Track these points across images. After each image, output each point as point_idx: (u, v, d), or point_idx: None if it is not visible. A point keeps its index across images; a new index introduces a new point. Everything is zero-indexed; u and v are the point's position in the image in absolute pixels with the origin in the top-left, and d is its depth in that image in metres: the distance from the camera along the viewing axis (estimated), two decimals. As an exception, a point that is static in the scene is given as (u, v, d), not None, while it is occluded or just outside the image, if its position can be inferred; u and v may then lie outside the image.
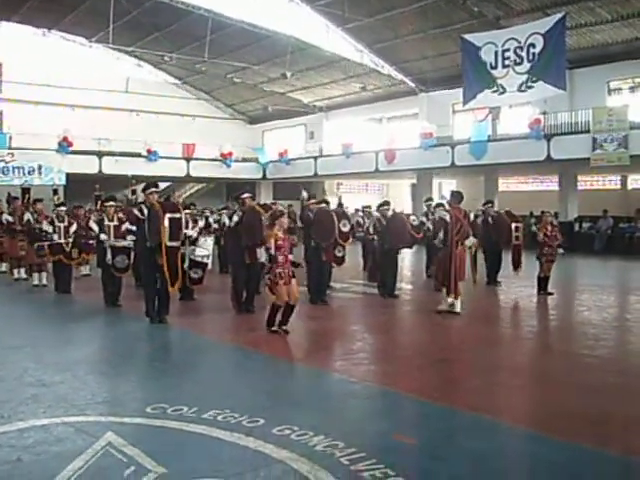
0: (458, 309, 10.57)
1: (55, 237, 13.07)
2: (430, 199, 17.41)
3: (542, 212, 13.98)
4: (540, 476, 4.39)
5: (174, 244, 9.43)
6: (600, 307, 11.72)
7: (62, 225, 13.23)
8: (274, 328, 8.66)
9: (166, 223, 9.26)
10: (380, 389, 6.39)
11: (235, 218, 10.84)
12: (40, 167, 28.52)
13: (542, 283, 12.88)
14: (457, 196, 11.21)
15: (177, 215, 9.53)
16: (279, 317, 8.68)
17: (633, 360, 7.90)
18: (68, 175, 28.89)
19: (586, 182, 30.73)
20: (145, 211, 9.56)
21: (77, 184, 27.34)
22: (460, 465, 4.41)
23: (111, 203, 12.07)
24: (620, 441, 4.87)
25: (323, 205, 12.47)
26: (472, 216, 10.99)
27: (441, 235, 10.76)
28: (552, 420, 5.42)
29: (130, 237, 11.36)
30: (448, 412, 5.64)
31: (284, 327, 8.68)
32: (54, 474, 4.09)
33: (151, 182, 10.11)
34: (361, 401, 6.00)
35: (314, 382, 6.76)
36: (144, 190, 9.94)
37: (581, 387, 6.48)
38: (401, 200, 33.85)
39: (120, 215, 12.19)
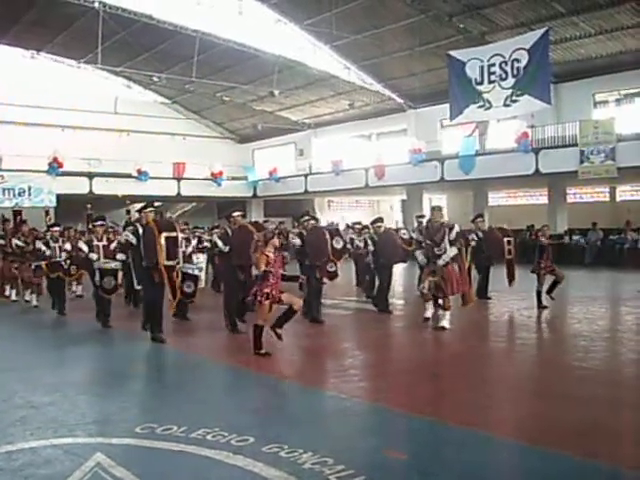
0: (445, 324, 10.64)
1: (49, 253, 13.14)
2: (422, 216, 17.47)
3: (544, 225, 14.11)
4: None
5: (172, 263, 9.41)
6: (590, 319, 11.75)
7: (57, 245, 13.31)
8: (263, 351, 8.51)
9: (162, 242, 9.25)
10: (370, 405, 6.39)
11: (223, 246, 10.85)
12: (30, 188, 28.53)
13: (541, 296, 12.92)
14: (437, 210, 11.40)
15: (174, 234, 9.52)
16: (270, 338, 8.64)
17: (622, 371, 7.92)
18: (58, 196, 28.87)
19: (575, 195, 30.91)
20: (140, 230, 9.56)
21: (68, 205, 27.34)
22: (449, 479, 4.42)
23: (100, 223, 12.06)
24: (609, 452, 4.88)
25: (313, 222, 12.50)
26: (456, 229, 10.99)
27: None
28: (542, 432, 5.44)
29: (120, 256, 11.40)
30: (438, 426, 5.65)
31: (278, 331, 8.55)
32: (42, 497, 4.08)
33: (148, 202, 10.14)
34: (351, 417, 6.00)
35: (304, 399, 6.75)
36: (141, 210, 9.95)
37: (571, 399, 6.48)
38: (392, 216, 33.92)
39: (110, 236, 12.22)
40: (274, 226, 13.55)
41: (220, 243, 11.19)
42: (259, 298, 8.38)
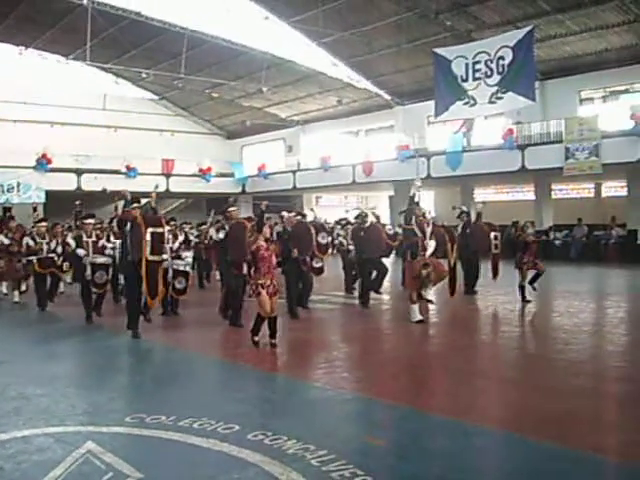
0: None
1: (44, 247, 13.25)
2: (405, 211, 17.66)
3: (526, 222, 14.31)
4: (503, 472, 4.60)
5: (155, 258, 9.57)
6: (572, 313, 12.00)
7: (44, 242, 13.40)
8: (256, 338, 8.75)
9: (148, 237, 9.41)
10: (352, 395, 6.58)
11: (221, 235, 11.01)
12: (19, 184, 28.54)
13: (525, 290, 13.15)
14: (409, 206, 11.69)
15: (160, 230, 9.68)
16: (266, 330, 8.82)
17: (598, 363, 8.16)
18: (47, 192, 28.90)
19: (561, 191, 31.20)
20: (129, 225, 9.70)
21: (56, 201, 27.34)
22: (425, 464, 4.63)
23: (89, 220, 12.16)
24: (581, 438, 5.09)
25: (299, 217, 12.68)
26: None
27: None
28: (518, 420, 5.67)
29: (108, 252, 11.55)
30: (417, 415, 5.86)
31: (273, 341, 8.77)
32: (35, 481, 4.26)
33: (133, 197, 10.26)
34: (333, 407, 6.20)
35: (288, 390, 6.95)
36: (125, 206, 10.09)
37: (548, 388, 6.71)
38: (379, 212, 34.08)
39: (98, 232, 12.35)
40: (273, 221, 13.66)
41: (214, 234, 11.37)
42: (256, 290, 8.58)
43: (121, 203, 10.50)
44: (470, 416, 5.76)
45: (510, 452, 4.95)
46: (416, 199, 11.80)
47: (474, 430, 5.39)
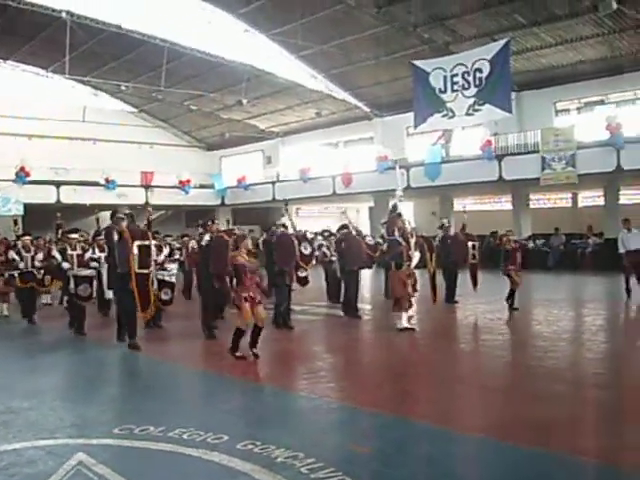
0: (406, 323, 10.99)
1: (22, 265, 13.23)
2: (386, 222, 17.83)
3: (508, 231, 14.47)
4: (485, 476, 4.72)
5: (144, 271, 9.64)
6: (551, 321, 12.19)
7: (29, 255, 13.40)
8: (238, 354, 8.80)
9: (135, 251, 9.48)
10: (338, 404, 6.68)
11: (205, 240, 11.05)
12: (-3, 197, 28.39)
13: (514, 294, 13.31)
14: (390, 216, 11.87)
15: (146, 242, 9.75)
16: (248, 340, 8.87)
17: (575, 370, 8.34)
18: (26, 205, 28.78)
19: (539, 200, 31.57)
20: (116, 236, 9.73)
21: (36, 214, 27.24)
22: (410, 470, 4.74)
23: (74, 235, 12.16)
24: (561, 442, 5.23)
25: (283, 229, 12.78)
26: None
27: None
28: (499, 426, 5.80)
29: (93, 264, 11.60)
30: (402, 422, 5.98)
31: (254, 350, 8.82)
32: (28, 493, 4.32)
33: (114, 210, 10.29)
34: (320, 416, 6.30)
35: (276, 400, 7.04)
36: (112, 217, 10.12)
37: (528, 395, 6.86)
38: (359, 223, 34.25)
39: (83, 245, 12.37)
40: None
41: (196, 245, 11.42)
42: (237, 302, 8.64)
43: (102, 214, 10.56)
44: (453, 423, 5.89)
45: (492, 457, 5.08)
46: (398, 209, 11.91)
47: (457, 437, 5.52)
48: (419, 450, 5.24)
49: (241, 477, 4.53)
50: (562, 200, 31.61)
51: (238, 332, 8.80)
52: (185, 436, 5.41)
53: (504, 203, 31.90)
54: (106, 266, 11.71)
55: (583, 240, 26.42)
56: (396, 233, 11.16)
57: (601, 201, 26.83)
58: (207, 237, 11.02)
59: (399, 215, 11.60)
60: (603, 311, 14.19)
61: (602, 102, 26.51)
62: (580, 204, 31.27)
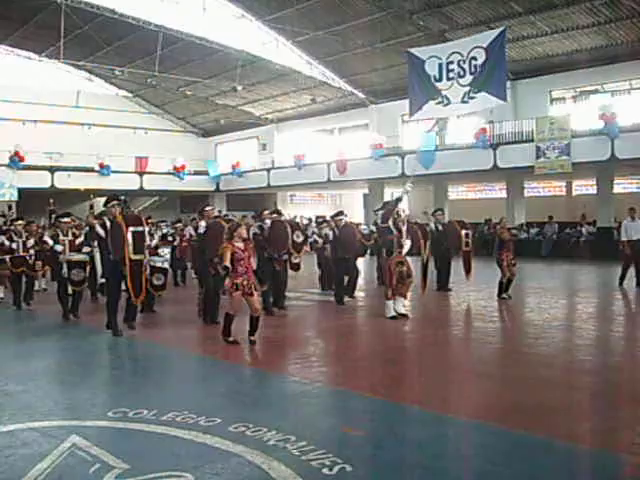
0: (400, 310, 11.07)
1: (14, 246, 13.24)
2: (381, 208, 17.87)
3: (503, 218, 14.50)
4: (476, 459, 4.78)
5: (138, 257, 9.65)
6: (542, 308, 12.28)
7: (20, 240, 13.40)
8: (231, 339, 8.85)
9: (129, 237, 9.48)
10: (330, 389, 6.75)
11: (202, 227, 11.05)
12: (-9, 183, 28.34)
13: (503, 286, 13.31)
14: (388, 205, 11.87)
15: (140, 228, 9.74)
16: (241, 326, 8.92)
17: (565, 356, 8.41)
18: (20, 190, 28.75)
19: (533, 189, 31.67)
20: (108, 224, 9.73)
21: (30, 199, 27.25)
22: (401, 452, 4.80)
23: (66, 219, 12.16)
24: (547, 426, 5.30)
25: (276, 216, 12.79)
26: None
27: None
28: (489, 410, 5.88)
29: (85, 249, 11.61)
30: (393, 407, 6.05)
31: (251, 338, 8.87)
32: (23, 474, 4.36)
33: (110, 196, 10.29)
34: (312, 400, 6.36)
35: (268, 384, 7.10)
36: (106, 204, 10.13)
37: (517, 380, 6.94)
38: (354, 210, 34.34)
39: (75, 230, 12.37)
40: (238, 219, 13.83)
41: (193, 231, 11.43)
42: (230, 289, 8.68)
43: (97, 201, 10.56)
44: (444, 407, 5.96)
45: (482, 441, 5.14)
46: (401, 200, 11.92)
47: (448, 420, 5.58)
48: (410, 434, 5.30)
49: (233, 459, 4.58)
50: (556, 188, 31.71)
51: (227, 317, 8.87)
52: (178, 419, 5.47)
53: (498, 191, 31.99)
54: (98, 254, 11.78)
55: (576, 229, 26.55)
56: (390, 222, 11.19)
57: (595, 190, 26.91)
58: (203, 224, 11.03)
59: (396, 202, 11.61)
60: (594, 299, 14.28)
61: (597, 91, 26.56)
62: (574, 193, 31.39)
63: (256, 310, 8.84)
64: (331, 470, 4.34)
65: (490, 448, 4.94)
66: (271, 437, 4.98)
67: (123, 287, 10.07)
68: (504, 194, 29.99)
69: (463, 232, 15.00)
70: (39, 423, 5.47)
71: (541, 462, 4.57)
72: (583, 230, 26.06)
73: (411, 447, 4.95)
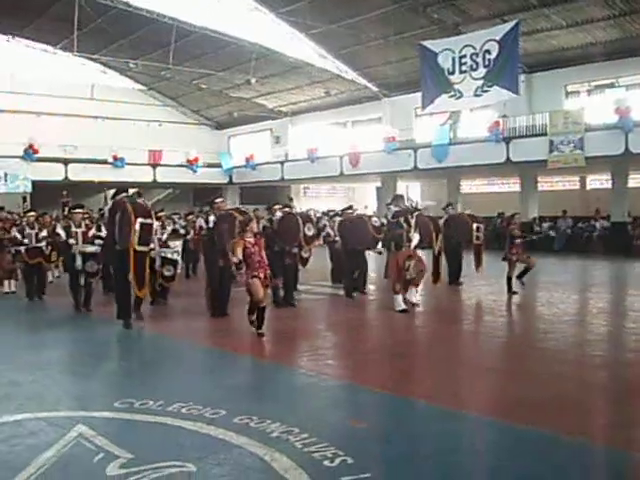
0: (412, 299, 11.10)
1: (26, 241, 13.35)
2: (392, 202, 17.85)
3: (513, 214, 14.42)
4: (477, 453, 4.79)
5: (143, 249, 9.70)
6: (552, 303, 12.23)
7: (33, 232, 13.51)
8: (253, 318, 8.88)
9: (137, 227, 9.55)
10: (337, 382, 6.77)
11: (211, 221, 11.08)
12: (6, 175, 28.50)
13: (512, 282, 13.22)
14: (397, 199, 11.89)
15: (149, 220, 9.80)
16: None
17: (575, 351, 8.38)
18: (34, 182, 28.92)
19: (547, 183, 31.48)
20: (118, 213, 9.79)
21: (43, 191, 27.39)
22: (405, 446, 4.81)
23: (78, 211, 12.26)
24: (555, 421, 5.29)
25: (287, 209, 12.82)
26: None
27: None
28: (497, 405, 5.88)
29: (98, 242, 11.69)
30: (400, 401, 6.06)
31: (259, 330, 8.92)
32: (29, 462, 4.41)
33: (120, 188, 10.38)
34: (318, 392, 6.39)
35: (274, 377, 7.13)
36: (114, 196, 10.20)
37: (526, 375, 6.94)
38: (367, 203, 34.30)
39: (87, 222, 12.47)
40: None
41: (203, 223, 11.47)
42: (248, 281, 8.69)
43: (110, 193, 10.63)
44: (452, 402, 5.94)
45: (488, 435, 5.15)
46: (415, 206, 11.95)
47: (455, 415, 5.57)
48: (416, 428, 5.30)
49: (235, 450, 4.62)
50: (570, 183, 31.50)
51: (252, 302, 8.86)
52: (184, 410, 5.51)
53: (512, 185, 31.84)
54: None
55: (590, 223, 26.39)
56: (401, 219, 11.20)
57: (609, 184, 26.70)
58: (212, 217, 11.07)
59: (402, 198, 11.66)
60: (606, 294, 14.18)
61: (612, 85, 26.32)
62: (588, 187, 31.16)
63: (261, 301, 8.86)
64: (332, 462, 4.37)
65: (497, 444, 4.95)
66: (275, 429, 5.01)
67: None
68: (517, 188, 29.85)
69: (474, 225, 14.96)
70: (46, 413, 5.53)
71: (547, 457, 4.56)
72: (597, 225, 25.90)
73: (416, 442, 4.95)
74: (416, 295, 11.40)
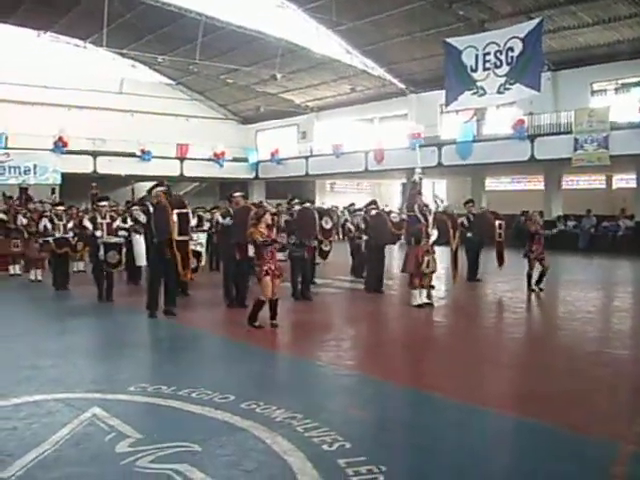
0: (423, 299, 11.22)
1: (56, 234, 13.77)
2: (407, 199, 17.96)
3: (534, 211, 14.47)
4: (475, 444, 4.92)
5: (184, 238, 10.03)
6: (572, 302, 12.27)
7: (61, 223, 13.95)
8: (256, 323, 9.10)
9: (175, 219, 9.86)
10: (345, 371, 6.93)
11: (228, 220, 11.31)
12: (35, 167, 28.99)
13: (532, 279, 13.24)
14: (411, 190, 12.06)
15: (184, 210, 10.16)
16: (265, 313, 9.17)
17: (585, 346, 8.47)
18: (63, 174, 29.42)
19: (572, 181, 31.31)
20: (150, 209, 10.08)
21: (72, 183, 27.85)
22: (403, 434, 4.99)
23: (104, 203, 12.58)
24: (562, 416, 5.39)
25: (307, 204, 13.01)
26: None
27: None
28: (500, 397, 6.02)
29: (122, 233, 12.02)
30: (405, 391, 6.24)
31: (273, 322, 9.15)
32: (44, 439, 4.67)
33: (159, 182, 10.71)
34: (325, 382, 6.58)
35: (284, 366, 7.36)
36: (151, 190, 10.51)
37: (533, 369, 7.08)
38: (390, 200, 34.37)
39: (112, 214, 12.80)
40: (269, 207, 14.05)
41: (221, 219, 11.71)
42: (259, 275, 8.96)
43: (137, 185, 10.90)
44: (456, 393, 6.07)
45: (493, 428, 5.27)
46: (418, 187, 12.02)
47: (458, 406, 5.71)
48: (419, 418, 5.46)
49: (239, 433, 4.83)
50: (595, 181, 31.29)
51: (258, 303, 9.12)
52: (194, 395, 5.74)
53: (536, 183, 31.71)
54: (137, 237, 12.19)
55: (615, 223, 26.23)
56: (416, 209, 11.32)
57: (635, 183, 26.51)
58: (228, 220, 11.31)
59: (419, 192, 11.74)
60: (627, 294, 14.10)
61: (639, 84, 26.11)
62: (614, 186, 30.93)
63: (274, 293, 9.07)
64: (331, 446, 4.56)
65: (501, 436, 5.09)
66: (279, 415, 5.21)
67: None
68: (541, 186, 29.74)
69: (497, 223, 15.01)
70: (63, 395, 5.80)
71: (554, 450, 4.65)
72: (621, 224, 25.75)
73: (417, 431, 5.10)
74: (428, 296, 11.47)
